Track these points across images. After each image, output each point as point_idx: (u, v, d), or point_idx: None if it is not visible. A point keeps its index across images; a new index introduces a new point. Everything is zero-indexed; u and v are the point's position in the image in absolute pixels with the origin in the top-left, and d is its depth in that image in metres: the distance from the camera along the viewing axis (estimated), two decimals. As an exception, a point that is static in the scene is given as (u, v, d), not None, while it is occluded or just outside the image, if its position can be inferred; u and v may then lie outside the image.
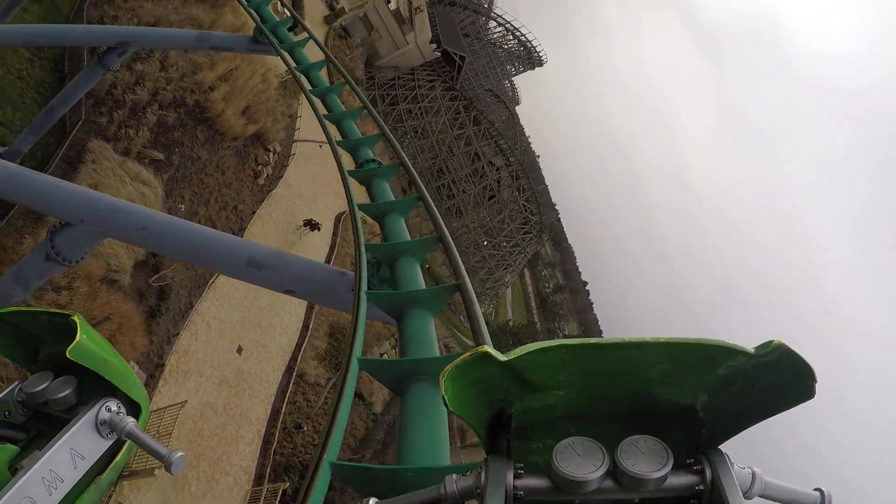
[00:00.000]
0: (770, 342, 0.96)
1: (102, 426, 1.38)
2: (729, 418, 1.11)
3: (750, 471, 1.10)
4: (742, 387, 1.04)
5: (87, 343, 1.37)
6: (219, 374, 18.10)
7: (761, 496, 1.10)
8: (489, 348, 1.00)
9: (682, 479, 1.05)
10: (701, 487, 1.05)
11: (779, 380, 0.99)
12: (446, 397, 0.98)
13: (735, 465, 1.08)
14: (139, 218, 5.93)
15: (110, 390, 1.43)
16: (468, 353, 0.99)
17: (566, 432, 1.11)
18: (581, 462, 1.03)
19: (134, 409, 1.48)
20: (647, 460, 1.02)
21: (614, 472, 1.04)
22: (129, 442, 1.44)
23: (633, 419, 1.14)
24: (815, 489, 1.13)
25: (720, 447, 1.11)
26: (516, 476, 1.09)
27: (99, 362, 1.38)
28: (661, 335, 1.02)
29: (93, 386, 1.44)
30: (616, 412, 1.16)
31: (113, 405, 1.42)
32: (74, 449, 1.34)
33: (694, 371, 1.06)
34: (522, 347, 1.01)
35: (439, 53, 59.66)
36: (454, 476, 1.14)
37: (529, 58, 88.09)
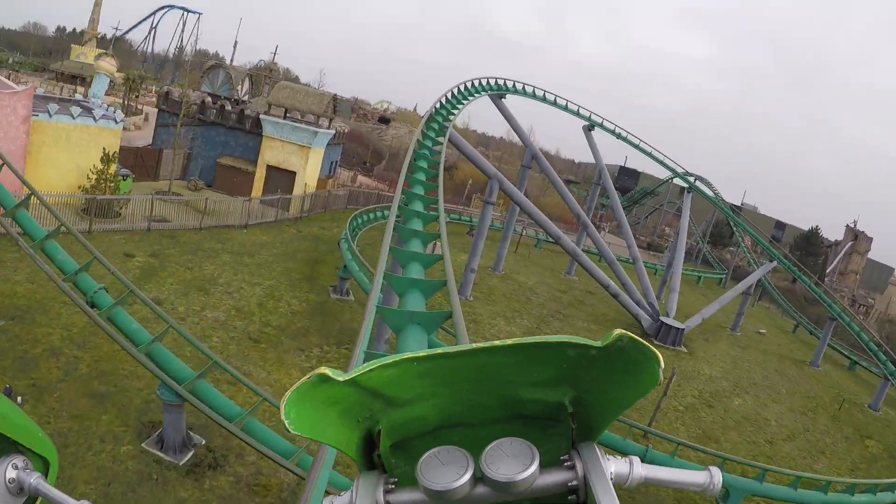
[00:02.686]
0: (612, 333, 0.95)
1: (11, 484, 1.33)
2: (594, 411, 1.11)
3: (627, 460, 1.09)
4: (599, 379, 1.04)
5: None
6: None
7: (646, 483, 1.10)
8: (327, 369, 0.95)
9: (555, 477, 1.03)
10: (575, 483, 1.03)
11: (630, 368, 0.98)
12: (286, 421, 0.93)
13: (610, 458, 1.08)
14: None
15: (15, 447, 1.37)
16: (307, 377, 0.95)
17: (445, 441, 1.08)
18: (445, 471, 1.01)
19: (42, 463, 1.42)
20: (511, 462, 1.00)
21: (482, 477, 1.00)
22: (40, 498, 1.37)
23: (508, 423, 1.14)
24: (704, 468, 1.13)
25: (595, 442, 1.11)
26: (387, 491, 1.07)
27: (2, 421, 1.31)
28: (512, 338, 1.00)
29: None
30: (490, 417, 1.14)
31: (19, 462, 1.35)
32: None
33: (549, 369, 1.05)
34: (364, 365, 0.99)
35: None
36: (331, 497, 1.10)
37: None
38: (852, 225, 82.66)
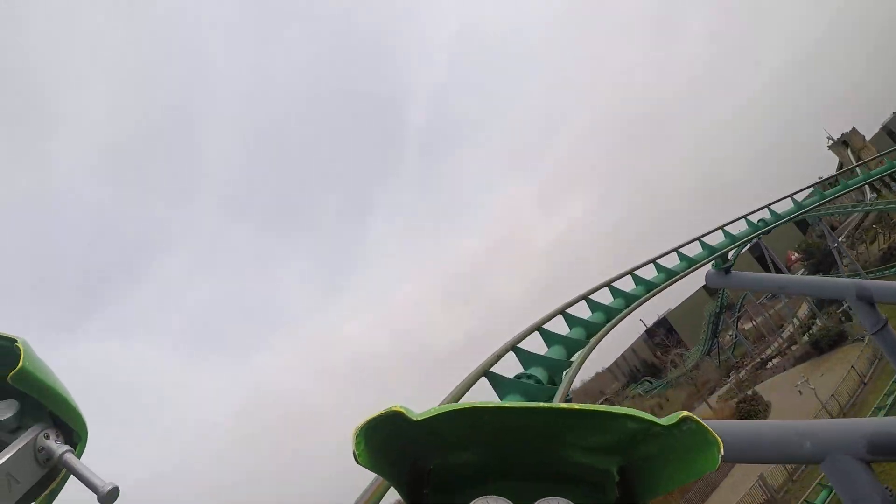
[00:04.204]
0: (679, 414, 0.99)
1: (40, 453, 1.38)
2: (641, 484, 1.15)
3: None
4: (653, 456, 1.09)
5: (30, 369, 1.36)
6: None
7: None
8: (402, 407, 1.01)
9: None
10: None
11: (687, 450, 1.02)
12: (356, 451, 0.99)
13: None
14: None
15: (51, 418, 1.43)
16: (381, 412, 1.01)
17: (485, 489, 1.16)
18: None
19: (73, 437, 1.48)
20: None
21: None
22: (64, 471, 1.43)
23: (549, 480, 1.18)
24: None
25: None
26: None
27: (41, 389, 1.38)
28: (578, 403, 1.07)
29: (34, 412, 1.43)
30: (532, 472, 1.19)
31: (52, 433, 1.41)
32: (10, 473, 1.32)
33: (605, 438, 1.10)
34: (434, 408, 1.03)
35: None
36: None
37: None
38: None
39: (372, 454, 1.03)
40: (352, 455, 0.99)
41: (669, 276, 14.41)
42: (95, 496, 1.34)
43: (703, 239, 16.34)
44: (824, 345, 45.37)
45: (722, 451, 0.97)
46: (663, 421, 0.99)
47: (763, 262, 59.30)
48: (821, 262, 63.06)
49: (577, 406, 1.03)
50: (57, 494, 1.44)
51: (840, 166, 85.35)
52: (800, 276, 20.40)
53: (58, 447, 1.39)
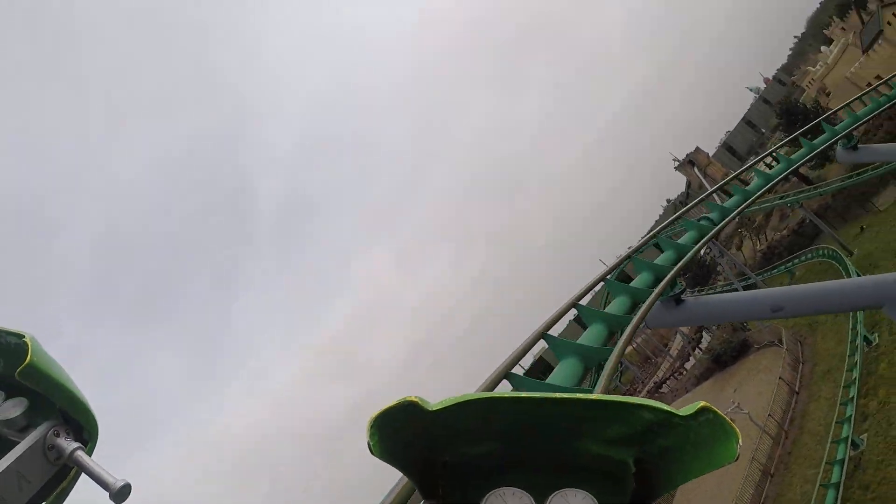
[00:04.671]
0: (697, 404, 0.99)
1: (50, 451, 1.34)
2: (659, 476, 1.14)
3: None
4: (671, 447, 1.07)
5: (39, 365, 1.30)
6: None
7: None
8: (417, 398, 1.00)
9: None
10: None
11: (705, 441, 1.01)
12: (371, 443, 0.98)
13: None
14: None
15: (61, 415, 1.38)
16: (395, 402, 1.00)
17: (500, 480, 1.14)
18: None
19: (84, 435, 1.42)
20: None
21: None
22: (75, 468, 1.38)
23: (566, 471, 1.17)
24: None
25: None
26: None
27: (49, 385, 1.34)
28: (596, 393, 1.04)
29: (43, 410, 1.37)
30: (549, 463, 1.18)
31: (62, 430, 1.37)
32: (20, 472, 1.28)
33: (622, 429, 1.09)
34: (448, 399, 1.02)
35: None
36: None
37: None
38: None
39: (386, 445, 1.02)
40: (366, 446, 0.98)
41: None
42: (107, 494, 1.30)
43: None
44: (727, 358, 41.92)
45: (740, 441, 0.97)
46: (682, 412, 0.99)
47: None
48: (697, 274, 61.96)
49: (593, 396, 1.03)
50: (68, 493, 1.42)
51: (688, 185, 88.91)
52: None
53: (68, 445, 1.35)
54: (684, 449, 1.05)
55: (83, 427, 1.41)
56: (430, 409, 1.00)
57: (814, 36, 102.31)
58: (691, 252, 11.35)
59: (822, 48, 71.29)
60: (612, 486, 1.16)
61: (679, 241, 12.20)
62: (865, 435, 22.99)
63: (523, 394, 1.05)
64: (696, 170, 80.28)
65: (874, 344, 27.12)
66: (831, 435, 24.18)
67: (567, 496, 1.09)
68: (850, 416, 23.99)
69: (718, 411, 0.97)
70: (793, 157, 17.62)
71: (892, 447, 21.05)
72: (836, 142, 17.23)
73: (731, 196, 15.90)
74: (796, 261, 45.95)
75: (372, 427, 0.97)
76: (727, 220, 14.43)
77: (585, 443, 1.14)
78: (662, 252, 11.59)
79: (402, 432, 1.04)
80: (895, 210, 36.37)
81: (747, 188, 16.63)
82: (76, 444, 1.35)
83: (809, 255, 43.35)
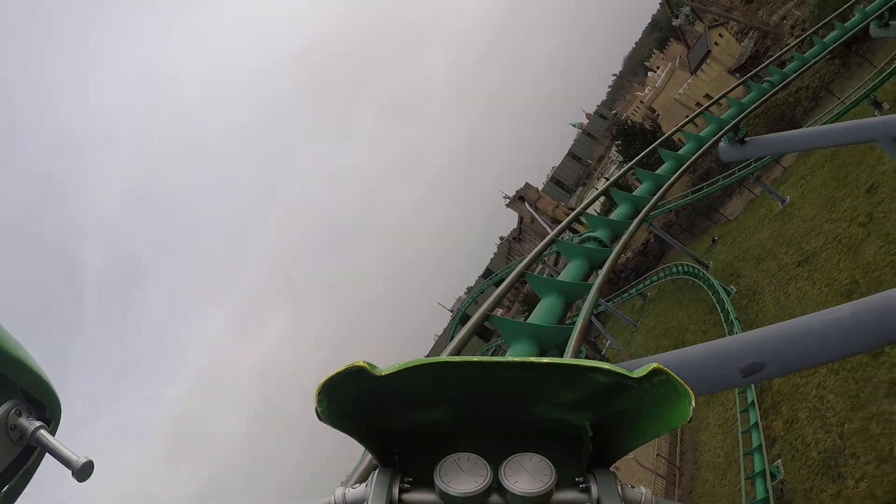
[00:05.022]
0: (649, 366, 0.97)
1: (12, 431, 1.30)
2: (615, 439, 1.14)
3: (640, 490, 1.11)
4: (625, 409, 1.07)
5: None
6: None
7: None
8: (365, 362, 0.98)
9: (569, 497, 1.07)
10: None
11: (658, 403, 1.00)
12: (319, 409, 0.97)
13: (626, 486, 1.10)
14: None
15: (23, 394, 1.36)
16: (343, 367, 0.98)
17: (456, 446, 1.11)
18: (464, 478, 1.03)
19: (46, 414, 1.40)
20: (530, 478, 1.03)
21: (499, 488, 1.05)
22: (39, 448, 1.36)
23: (522, 436, 1.15)
24: None
25: (611, 467, 1.14)
26: (403, 490, 1.08)
27: (10, 364, 1.30)
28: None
29: (4, 389, 1.34)
30: (505, 428, 1.16)
31: (24, 409, 1.34)
32: None
33: (577, 392, 1.07)
34: (400, 364, 1.00)
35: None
36: (344, 488, 1.13)
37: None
38: None
39: (335, 412, 1.00)
40: (314, 413, 0.96)
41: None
42: (70, 472, 1.28)
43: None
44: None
45: (693, 402, 0.97)
46: (634, 373, 0.98)
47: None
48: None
49: (545, 360, 1.01)
50: (33, 474, 1.39)
51: (520, 220, 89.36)
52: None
53: (30, 424, 1.32)
54: (639, 411, 1.05)
55: (45, 406, 1.38)
56: (378, 374, 0.98)
57: (632, 72, 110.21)
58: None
59: (649, 73, 74.77)
60: (569, 450, 1.16)
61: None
62: (779, 461, 19.50)
63: (474, 358, 1.03)
64: (526, 205, 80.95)
65: (758, 360, 24.26)
66: (743, 470, 20.43)
67: (522, 460, 1.07)
68: (760, 444, 20.48)
69: (670, 372, 0.96)
70: (658, 172, 14.37)
71: (816, 470, 17.49)
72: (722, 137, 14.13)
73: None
74: (647, 282, 44.67)
75: (320, 393, 0.96)
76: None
77: (541, 407, 1.13)
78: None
79: (351, 398, 1.03)
80: (747, 218, 35.68)
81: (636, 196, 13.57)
82: (38, 424, 1.32)
83: (662, 275, 42.02)
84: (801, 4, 41.94)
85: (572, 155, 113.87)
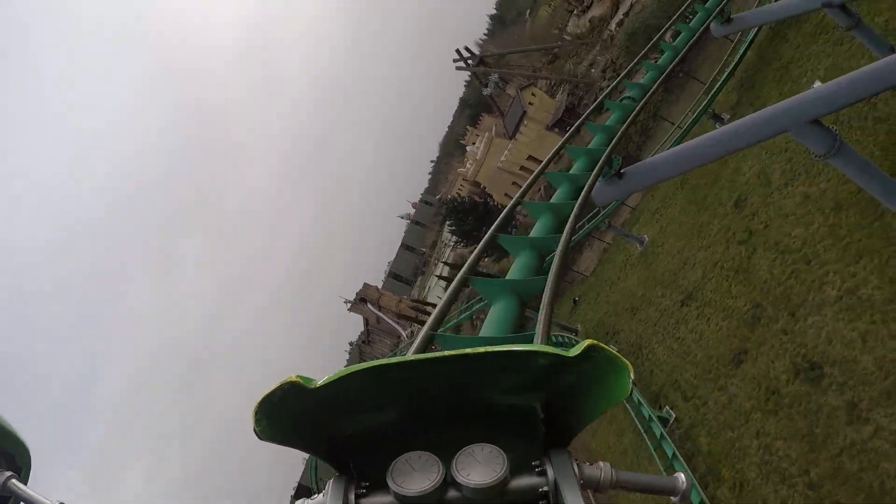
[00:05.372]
0: (584, 343, 0.98)
1: None
2: (566, 418, 1.14)
3: (598, 466, 1.12)
4: (571, 388, 1.08)
5: None
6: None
7: (616, 488, 1.12)
8: (298, 377, 0.97)
9: (526, 483, 1.06)
10: (546, 489, 1.06)
11: (601, 378, 1.01)
12: (257, 429, 0.96)
13: (581, 464, 1.11)
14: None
15: None
16: (277, 385, 0.97)
17: (407, 446, 1.08)
18: (417, 477, 1.02)
19: (16, 463, 1.39)
20: (482, 469, 1.02)
21: (453, 482, 1.03)
22: (12, 498, 1.34)
23: (476, 427, 1.14)
24: (672, 476, 1.15)
25: (566, 448, 1.13)
26: (359, 495, 1.07)
27: None
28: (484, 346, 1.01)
29: None
30: (455, 421, 1.15)
31: None
32: None
33: (519, 377, 1.08)
34: (335, 373, 1.00)
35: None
36: (304, 500, 1.11)
37: None
38: None
39: (275, 429, 0.99)
40: (253, 433, 0.96)
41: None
42: None
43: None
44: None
45: (632, 375, 0.96)
46: (570, 352, 0.99)
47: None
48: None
49: (481, 350, 1.01)
50: None
51: (366, 322, 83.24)
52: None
53: (0, 475, 1.32)
54: (583, 388, 1.05)
55: (14, 455, 1.38)
56: (314, 386, 0.97)
57: (449, 154, 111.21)
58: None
59: (468, 149, 73.58)
60: (524, 434, 1.15)
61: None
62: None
63: (409, 357, 1.03)
64: (369, 305, 75.67)
65: (672, 420, 19.43)
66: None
67: (474, 452, 1.06)
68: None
69: (606, 347, 0.96)
70: (558, 200, 10.14)
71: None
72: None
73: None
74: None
75: (257, 414, 0.95)
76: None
77: (487, 395, 1.12)
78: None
79: (290, 414, 1.01)
80: (605, 269, 32.14)
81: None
82: (9, 473, 1.32)
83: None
84: (604, 50, 41.89)
85: (406, 246, 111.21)
